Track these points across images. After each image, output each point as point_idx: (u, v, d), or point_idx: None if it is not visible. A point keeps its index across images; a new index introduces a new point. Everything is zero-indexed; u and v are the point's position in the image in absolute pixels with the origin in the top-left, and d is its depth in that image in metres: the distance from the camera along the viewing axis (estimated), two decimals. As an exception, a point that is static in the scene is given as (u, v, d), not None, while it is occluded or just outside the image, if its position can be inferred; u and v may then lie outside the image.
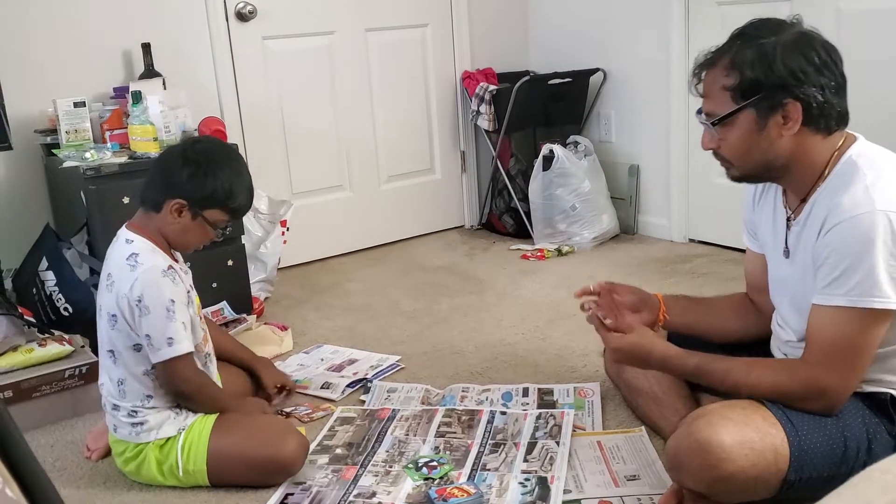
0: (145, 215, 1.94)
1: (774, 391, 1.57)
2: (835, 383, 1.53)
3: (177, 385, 1.92)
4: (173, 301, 1.86)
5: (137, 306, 1.84)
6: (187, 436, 1.93)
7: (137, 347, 1.90)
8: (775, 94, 1.50)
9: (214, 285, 2.84)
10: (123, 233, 1.94)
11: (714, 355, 1.70)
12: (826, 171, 1.56)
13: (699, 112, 1.63)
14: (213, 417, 1.95)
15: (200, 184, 1.89)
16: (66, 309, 2.62)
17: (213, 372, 2.06)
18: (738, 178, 1.65)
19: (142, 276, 1.85)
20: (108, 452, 2.06)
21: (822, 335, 1.53)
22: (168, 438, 1.92)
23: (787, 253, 1.68)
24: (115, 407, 1.94)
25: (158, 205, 1.91)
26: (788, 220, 1.67)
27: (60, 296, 2.64)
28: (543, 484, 1.84)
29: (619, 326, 1.78)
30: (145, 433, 1.92)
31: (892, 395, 1.59)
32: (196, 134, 2.89)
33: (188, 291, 1.95)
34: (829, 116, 1.53)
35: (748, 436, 1.50)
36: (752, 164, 1.59)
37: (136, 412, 1.92)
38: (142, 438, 1.93)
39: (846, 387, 1.54)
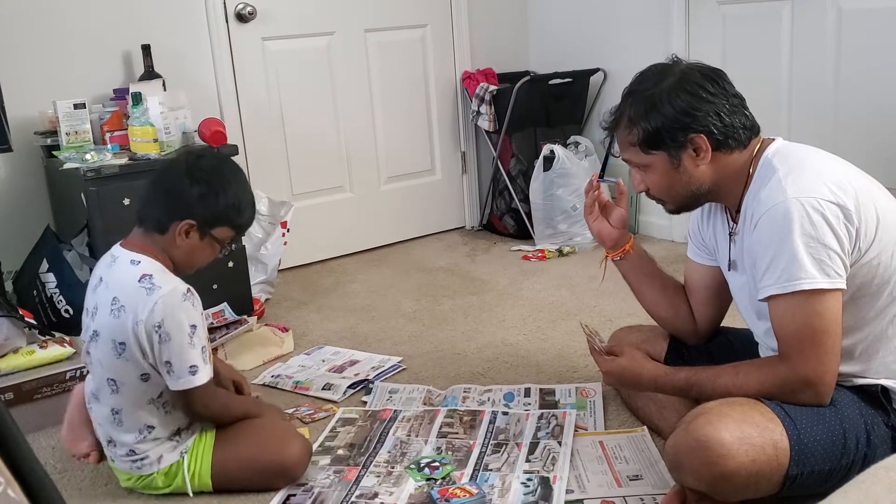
0: (147, 236, 1.84)
1: (762, 389, 1.59)
2: (812, 370, 1.55)
3: (196, 410, 1.86)
4: (195, 327, 1.78)
5: (157, 332, 1.74)
6: (191, 457, 1.88)
7: (145, 377, 1.81)
8: (676, 135, 1.62)
9: (215, 287, 2.83)
10: (124, 253, 1.83)
11: (701, 366, 1.74)
12: (749, 177, 1.65)
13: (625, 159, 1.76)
14: (212, 432, 1.91)
15: (212, 203, 1.82)
16: (66, 311, 2.62)
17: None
18: (674, 212, 1.78)
19: (161, 301, 1.74)
20: (103, 452, 2.00)
21: (782, 328, 1.57)
22: (171, 464, 1.88)
23: (731, 265, 1.76)
24: (111, 442, 1.88)
25: (164, 226, 1.82)
26: (731, 233, 1.75)
27: (61, 297, 2.64)
28: (546, 484, 1.83)
29: (610, 350, 1.87)
30: (147, 466, 1.86)
31: (882, 386, 1.62)
32: (195, 134, 2.88)
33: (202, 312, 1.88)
34: (736, 135, 1.63)
35: (747, 432, 1.51)
36: (680, 198, 1.72)
37: (134, 451, 1.85)
38: (144, 471, 1.87)
39: (826, 370, 1.55)
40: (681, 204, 1.74)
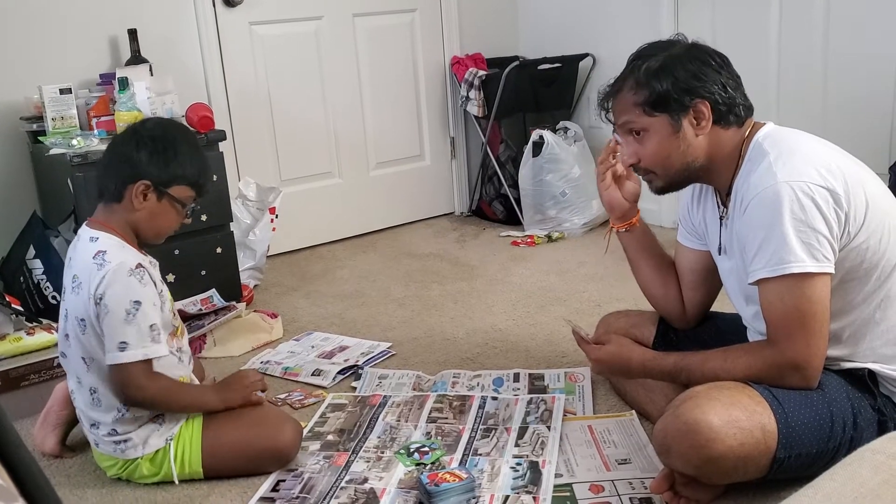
0: (107, 209, 1.86)
1: (750, 373, 1.60)
2: (801, 353, 1.56)
3: (127, 391, 1.79)
4: (138, 303, 1.76)
5: (98, 305, 1.75)
6: (177, 444, 1.86)
7: None
8: (683, 98, 1.63)
9: (203, 273, 2.82)
10: (86, 231, 1.84)
11: (690, 351, 1.75)
12: (740, 160, 1.66)
13: (614, 131, 1.76)
14: (200, 418, 1.89)
15: (161, 160, 1.83)
16: (53, 297, 2.61)
17: (186, 366, 1.94)
18: (662, 189, 1.75)
19: (108, 275, 1.75)
20: (84, 443, 2.00)
21: (770, 311, 1.58)
22: (157, 450, 1.87)
23: (721, 250, 1.77)
24: (94, 425, 1.86)
25: (119, 193, 1.82)
26: (722, 218, 1.75)
27: (48, 284, 2.63)
28: (535, 468, 1.84)
29: (598, 339, 1.89)
30: (131, 450, 1.85)
31: (869, 370, 1.63)
32: (183, 119, 2.87)
33: (160, 292, 1.85)
34: (737, 110, 1.65)
35: (735, 415, 1.52)
36: (673, 170, 1.69)
37: (115, 430, 1.84)
38: (129, 455, 1.86)
39: (814, 353, 1.56)
40: (671, 179, 1.72)
